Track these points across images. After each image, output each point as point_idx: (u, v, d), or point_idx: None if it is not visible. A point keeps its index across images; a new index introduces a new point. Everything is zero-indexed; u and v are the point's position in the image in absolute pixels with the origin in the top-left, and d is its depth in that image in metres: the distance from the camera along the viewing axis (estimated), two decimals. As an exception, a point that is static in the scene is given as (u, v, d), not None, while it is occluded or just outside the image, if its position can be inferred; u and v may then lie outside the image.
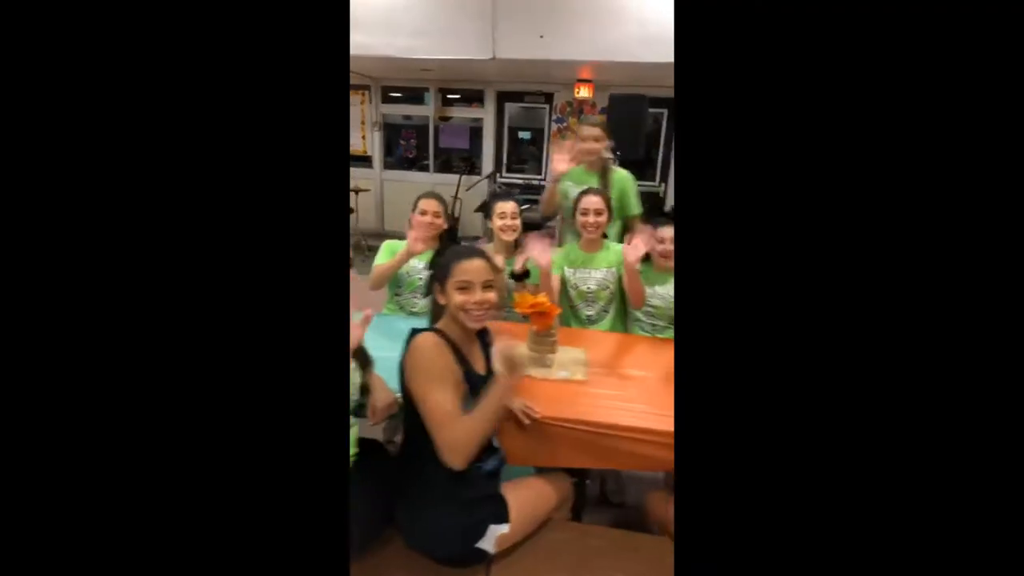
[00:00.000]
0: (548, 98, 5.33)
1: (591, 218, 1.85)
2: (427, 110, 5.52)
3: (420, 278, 1.95)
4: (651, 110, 5.16)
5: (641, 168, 5.36)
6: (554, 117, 5.35)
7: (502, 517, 1.06)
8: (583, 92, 4.89)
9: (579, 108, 5.21)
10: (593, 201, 1.85)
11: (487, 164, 5.56)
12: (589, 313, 1.92)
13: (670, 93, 5.10)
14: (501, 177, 5.62)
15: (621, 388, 1.37)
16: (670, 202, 5.32)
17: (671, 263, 1.65)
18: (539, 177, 5.53)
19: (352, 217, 4.89)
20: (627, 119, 3.67)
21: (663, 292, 1.80)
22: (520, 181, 5.51)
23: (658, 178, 5.37)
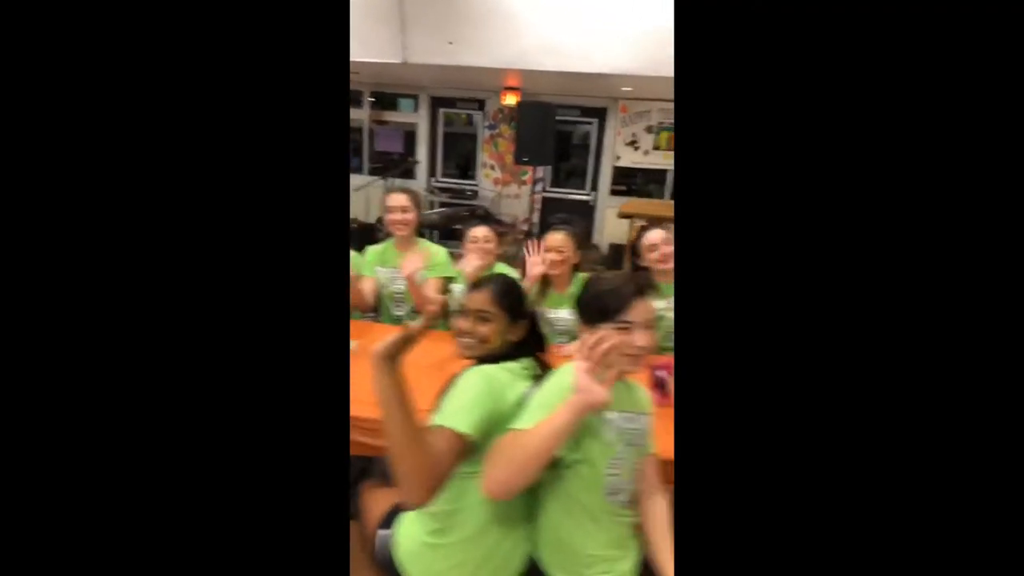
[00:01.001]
0: (480, 104, 5.36)
1: (397, 216, 1.85)
2: (362, 113, 5.53)
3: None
4: (583, 120, 5.26)
5: (556, 174, 5.43)
6: (486, 123, 5.38)
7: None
8: (510, 99, 4.93)
9: (510, 115, 5.24)
10: (398, 199, 1.86)
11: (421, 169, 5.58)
12: (399, 313, 1.92)
13: (601, 103, 5.16)
14: (436, 181, 5.64)
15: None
16: (599, 210, 5.36)
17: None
18: (473, 183, 5.55)
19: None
20: (536, 126, 3.74)
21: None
22: (454, 186, 5.55)
23: (588, 187, 5.40)
